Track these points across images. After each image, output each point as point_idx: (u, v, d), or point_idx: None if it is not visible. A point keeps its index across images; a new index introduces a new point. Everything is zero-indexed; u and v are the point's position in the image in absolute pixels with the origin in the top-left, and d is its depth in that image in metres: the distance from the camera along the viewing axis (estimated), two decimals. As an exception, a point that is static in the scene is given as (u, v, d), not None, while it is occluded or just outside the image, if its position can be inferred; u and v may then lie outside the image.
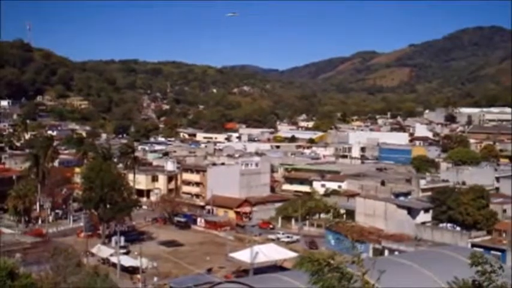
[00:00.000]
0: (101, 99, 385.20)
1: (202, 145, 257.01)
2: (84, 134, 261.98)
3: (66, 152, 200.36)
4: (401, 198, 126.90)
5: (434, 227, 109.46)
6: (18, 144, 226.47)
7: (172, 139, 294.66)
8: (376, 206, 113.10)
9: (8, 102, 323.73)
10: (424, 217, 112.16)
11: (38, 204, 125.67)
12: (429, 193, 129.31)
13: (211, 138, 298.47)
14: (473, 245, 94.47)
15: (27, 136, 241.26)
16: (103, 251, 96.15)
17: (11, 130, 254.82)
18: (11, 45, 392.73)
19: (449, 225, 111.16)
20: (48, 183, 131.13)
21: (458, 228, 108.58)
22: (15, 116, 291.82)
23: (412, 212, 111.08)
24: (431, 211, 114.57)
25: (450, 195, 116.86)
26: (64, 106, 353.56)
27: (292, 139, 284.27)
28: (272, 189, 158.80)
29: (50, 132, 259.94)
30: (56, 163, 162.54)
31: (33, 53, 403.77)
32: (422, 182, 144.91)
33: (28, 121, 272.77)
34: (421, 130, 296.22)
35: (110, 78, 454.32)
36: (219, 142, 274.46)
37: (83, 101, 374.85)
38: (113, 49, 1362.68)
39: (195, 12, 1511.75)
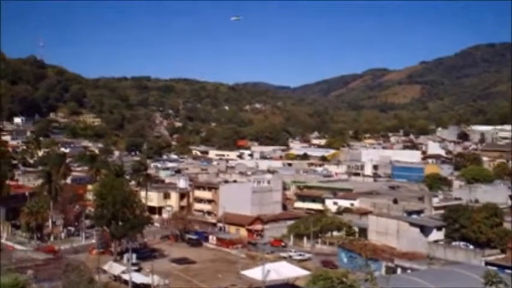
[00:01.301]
0: (113, 116, 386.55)
1: (215, 162, 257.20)
2: (96, 151, 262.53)
3: (78, 169, 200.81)
4: (414, 216, 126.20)
5: (447, 245, 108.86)
6: (31, 161, 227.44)
7: (185, 156, 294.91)
8: (388, 224, 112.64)
9: (22, 119, 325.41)
10: (436, 235, 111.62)
11: (50, 221, 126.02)
12: (442, 211, 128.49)
13: (223, 155, 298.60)
14: (486, 264, 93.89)
15: (40, 153, 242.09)
16: (115, 268, 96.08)
17: (24, 147, 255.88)
18: (24, 62, 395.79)
19: (462, 243, 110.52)
20: (61, 200, 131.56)
21: (471, 247, 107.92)
22: (28, 133, 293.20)
23: (425, 230, 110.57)
24: (444, 229, 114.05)
25: (463, 214, 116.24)
26: (77, 123, 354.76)
27: (304, 156, 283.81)
28: (284, 207, 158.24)
29: (62, 149, 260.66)
30: (68, 180, 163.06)
31: (46, 69, 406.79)
32: (435, 200, 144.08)
33: (41, 138, 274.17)
34: (434, 148, 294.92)
35: (123, 95, 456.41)
36: (231, 159, 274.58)
37: (96, 118, 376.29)
38: (126, 66, 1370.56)
39: (206, 30, 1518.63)
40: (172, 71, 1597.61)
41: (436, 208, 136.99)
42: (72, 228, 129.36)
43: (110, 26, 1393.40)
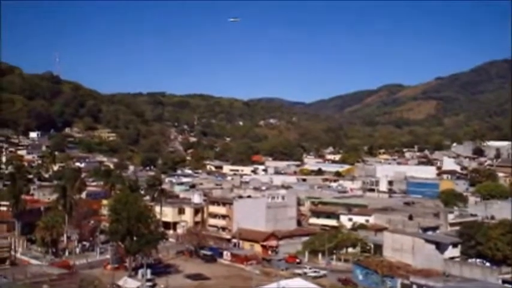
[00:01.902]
0: (128, 131, 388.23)
1: (229, 177, 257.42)
2: (111, 166, 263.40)
3: (93, 183, 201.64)
4: (429, 232, 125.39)
5: (463, 262, 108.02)
6: (46, 175, 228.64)
7: (199, 171, 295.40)
8: (403, 240, 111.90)
9: (37, 134, 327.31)
10: (452, 252, 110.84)
11: (65, 235, 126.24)
12: (457, 227, 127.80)
13: (237, 170, 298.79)
14: (503, 282, 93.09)
15: (55, 168, 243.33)
16: (129, 283, 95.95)
17: (40, 161, 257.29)
18: (41, 77, 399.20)
19: (478, 260, 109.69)
20: (76, 215, 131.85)
21: (487, 264, 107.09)
22: (43, 148, 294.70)
23: (440, 246, 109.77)
24: (459, 246, 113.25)
25: (479, 230, 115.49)
26: (92, 138, 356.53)
27: (319, 172, 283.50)
28: (299, 223, 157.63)
29: (77, 164, 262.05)
30: (83, 195, 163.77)
31: (62, 85, 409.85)
32: (451, 216, 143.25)
33: (56, 153, 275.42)
34: (449, 164, 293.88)
35: (138, 111, 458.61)
36: (246, 174, 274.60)
37: (111, 133, 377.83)
38: (141, 82, 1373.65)
39: (221, 46, 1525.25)
40: (188, 86, 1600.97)
41: (452, 224, 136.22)
42: (86, 243, 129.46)
43: (126, 43, 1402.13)
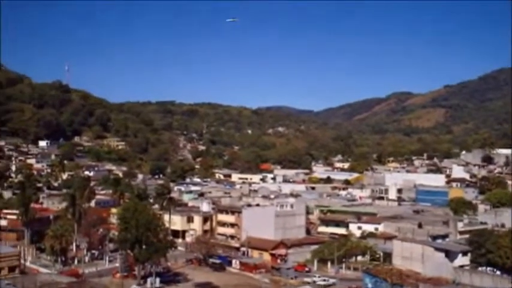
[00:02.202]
0: (137, 140, 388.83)
1: (238, 186, 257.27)
2: (120, 175, 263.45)
3: (102, 192, 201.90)
4: (439, 240, 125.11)
5: (473, 270, 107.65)
6: (55, 184, 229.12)
7: (208, 180, 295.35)
8: (413, 248, 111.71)
9: (47, 143, 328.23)
10: (462, 260, 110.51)
11: (74, 244, 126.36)
12: (467, 236, 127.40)
13: (246, 179, 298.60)
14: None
15: (64, 176, 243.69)
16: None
17: (49, 170, 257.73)
18: (50, 86, 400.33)
19: (488, 268, 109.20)
20: (85, 224, 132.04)
21: (498, 272, 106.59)
22: (53, 156, 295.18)
23: (450, 255, 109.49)
24: (469, 254, 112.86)
25: (489, 238, 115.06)
26: (101, 147, 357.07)
27: (328, 180, 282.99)
28: (308, 231, 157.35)
29: (86, 172, 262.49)
30: (92, 203, 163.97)
31: (71, 94, 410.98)
32: (460, 224, 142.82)
33: (65, 161, 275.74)
34: (458, 171, 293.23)
35: (147, 119, 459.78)
36: (254, 183, 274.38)
37: (120, 141, 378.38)
38: (150, 91, 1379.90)
39: (230, 55, 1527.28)
40: (197, 95, 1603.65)
41: (461, 233, 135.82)
42: (95, 252, 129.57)
43: (135, 52, 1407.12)
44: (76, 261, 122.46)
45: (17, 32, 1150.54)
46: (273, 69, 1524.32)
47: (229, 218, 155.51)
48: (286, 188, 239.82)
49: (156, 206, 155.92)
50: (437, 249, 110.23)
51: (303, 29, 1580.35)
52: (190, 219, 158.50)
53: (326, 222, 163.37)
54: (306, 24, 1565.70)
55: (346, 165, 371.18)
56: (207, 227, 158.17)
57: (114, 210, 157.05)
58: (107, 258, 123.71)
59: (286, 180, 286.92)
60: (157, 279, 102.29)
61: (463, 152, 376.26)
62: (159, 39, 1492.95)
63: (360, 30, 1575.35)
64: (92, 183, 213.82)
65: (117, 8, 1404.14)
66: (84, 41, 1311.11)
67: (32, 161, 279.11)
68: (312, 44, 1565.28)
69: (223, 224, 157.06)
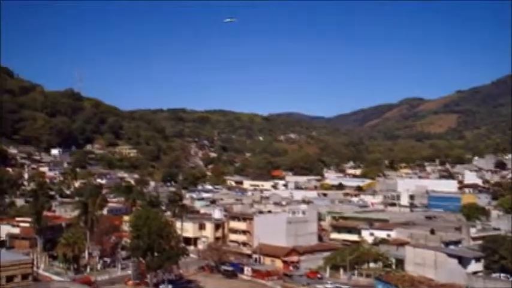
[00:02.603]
0: (149, 147, 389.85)
1: (249, 193, 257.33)
2: (132, 182, 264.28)
3: (114, 200, 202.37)
4: (452, 247, 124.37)
5: (487, 276, 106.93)
6: (68, 192, 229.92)
7: (220, 187, 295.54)
8: (425, 255, 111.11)
9: (59, 151, 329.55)
10: (475, 266, 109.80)
11: (86, 251, 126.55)
12: (480, 242, 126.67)
13: (257, 185, 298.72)
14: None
15: (76, 184, 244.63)
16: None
17: (61, 178, 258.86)
18: (62, 94, 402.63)
19: (502, 275, 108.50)
20: (97, 231, 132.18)
21: (511, 279, 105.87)
22: (65, 164, 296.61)
23: (463, 261, 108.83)
24: (482, 260, 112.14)
25: (502, 244, 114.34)
26: (113, 154, 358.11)
27: (340, 187, 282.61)
28: (320, 238, 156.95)
29: (99, 180, 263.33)
30: (104, 211, 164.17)
31: (83, 102, 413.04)
32: (473, 230, 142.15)
33: (78, 169, 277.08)
34: (471, 177, 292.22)
35: (159, 127, 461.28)
36: (266, 190, 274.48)
37: (132, 149, 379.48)
38: (162, 98, 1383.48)
39: (241, 62, 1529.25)
40: (208, 102, 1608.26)
41: (474, 239, 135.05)
42: (108, 259, 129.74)
43: (146, 60, 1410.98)
44: (88, 269, 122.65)
45: (29, 41, 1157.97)
46: (284, 75, 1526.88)
47: (241, 225, 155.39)
48: (298, 195, 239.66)
49: (168, 213, 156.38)
50: (450, 255, 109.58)
51: (315, 35, 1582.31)
52: (202, 227, 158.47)
53: (338, 229, 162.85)
54: (317, 30, 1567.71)
55: (358, 172, 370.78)
56: (219, 234, 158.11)
57: (126, 217, 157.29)
58: (119, 265, 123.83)
59: (298, 187, 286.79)
60: (170, 287, 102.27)
61: (476, 158, 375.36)
62: (171, 46, 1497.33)
63: (371, 36, 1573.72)
64: (104, 191, 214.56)
65: (129, 17, 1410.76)
66: (96, 49, 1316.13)
67: (44, 169, 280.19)
68: (323, 50, 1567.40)
69: (235, 231, 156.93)
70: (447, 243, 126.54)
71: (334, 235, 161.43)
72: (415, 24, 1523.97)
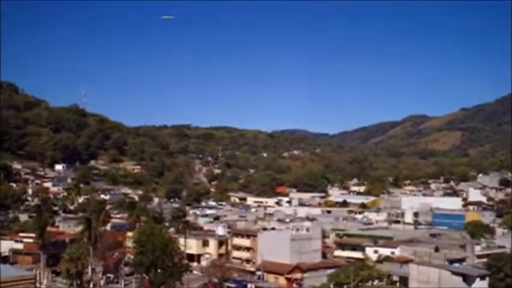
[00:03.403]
0: (153, 163, 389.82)
1: (253, 209, 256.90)
2: (136, 198, 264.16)
3: (118, 215, 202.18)
4: (456, 264, 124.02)
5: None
6: (71, 207, 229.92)
7: (223, 203, 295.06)
8: (430, 272, 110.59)
9: (63, 166, 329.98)
10: (480, 284, 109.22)
11: (90, 267, 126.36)
12: (485, 259, 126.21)
13: (261, 202, 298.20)
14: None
15: (80, 200, 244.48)
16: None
17: (65, 194, 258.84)
18: (67, 110, 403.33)
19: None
20: (100, 247, 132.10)
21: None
22: (69, 180, 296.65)
23: (468, 279, 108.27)
24: (487, 278, 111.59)
25: (507, 262, 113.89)
26: (117, 170, 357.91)
27: (344, 204, 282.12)
28: (323, 255, 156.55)
29: (102, 196, 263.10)
30: (108, 227, 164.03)
31: (87, 118, 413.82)
32: (477, 248, 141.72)
33: (81, 185, 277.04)
34: (475, 195, 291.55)
35: (163, 143, 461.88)
36: (270, 206, 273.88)
37: (136, 165, 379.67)
38: (166, 115, 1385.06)
39: (245, 78, 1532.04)
40: (212, 119, 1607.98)
41: (479, 256, 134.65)
42: (111, 275, 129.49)
43: (151, 76, 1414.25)
44: (91, 285, 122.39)
45: (35, 56, 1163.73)
46: (288, 92, 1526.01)
47: (245, 242, 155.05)
48: (302, 212, 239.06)
49: (172, 229, 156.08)
50: (454, 273, 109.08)
51: (319, 52, 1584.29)
52: (205, 243, 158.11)
53: (342, 246, 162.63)
54: (321, 47, 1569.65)
55: (362, 189, 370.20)
56: (223, 250, 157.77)
57: (129, 233, 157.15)
58: (123, 282, 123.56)
59: (301, 204, 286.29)
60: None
61: (480, 175, 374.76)
62: (175, 62, 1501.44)
63: (374, 52, 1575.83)
64: (108, 207, 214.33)
65: (134, 34, 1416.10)
66: (102, 65, 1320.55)
67: (48, 184, 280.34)
68: (327, 66, 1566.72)
69: (238, 248, 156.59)
70: (451, 261, 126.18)
71: (338, 252, 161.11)
72: (419, 41, 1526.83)
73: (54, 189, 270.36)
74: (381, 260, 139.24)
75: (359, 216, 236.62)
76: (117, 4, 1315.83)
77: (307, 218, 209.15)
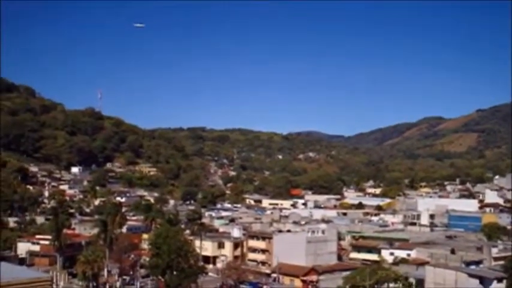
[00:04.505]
0: (169, 166, 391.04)
1: (268, 211, 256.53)
2: (152, 201, 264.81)
3: (134, 218, 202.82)
4: (473, 267, 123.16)
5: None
6: (87, 210, 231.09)
7: (239, 205, 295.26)
8: (446, 275, 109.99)
9: (79, 169, 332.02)
10: (497, 287, 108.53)
11: (106, 270, 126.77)
12: (502, 262, 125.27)
13: (276, 204, 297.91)
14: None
15: (96, 202, 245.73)
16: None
17: (81, 196, 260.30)
18: (83, 113, 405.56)
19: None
20: (116, 249, 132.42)
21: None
22: (85, 183, 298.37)
23: (485, 281, 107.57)
24: (504, 281, 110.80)
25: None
26: (133, 173, 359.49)
27: (359, 206, 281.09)
28: (339, 258, 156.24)
29: (118, 198, 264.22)
30: (124, 229, 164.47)
31: (103, 120, 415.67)
32: (494, 250, 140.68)
33: (97, 187, 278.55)
34: (491, 196, 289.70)
35: (179, 146, 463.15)
36: (285, 208, 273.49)
37: (152, 167, 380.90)
38: (182, 117, 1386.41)
39: (261, 81, 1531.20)
40: (227, 121, 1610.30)
41: (496, 259, 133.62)
42: (127, 278, 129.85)
43: (166, 78, 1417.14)
44: (107, 287, 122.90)
45: (51, 60, 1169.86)
46: (303, 94, 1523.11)
47: (260, 244, 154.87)
48: (318, 214, 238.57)
49: (187, 231, 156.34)
50: (471, 275, 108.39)
51: (333, 54, 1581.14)
52: (221, 245, 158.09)
53: (358, 248, 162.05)
54: (336, 49, 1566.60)
55: (377, 191, 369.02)
56: (238, 252, 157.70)
57: (145, 236, 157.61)
58: (138, 284, 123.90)
59: (317, 206, 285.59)
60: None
61: (496, 177, 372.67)
62: (190, 65, 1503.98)
63: (390, 55, 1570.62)
64: (124, 209, 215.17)
65: (150, 36, 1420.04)
66: (117, 68, 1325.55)
67: (64, 187, 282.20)
68: (343, 68, 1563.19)
69: (254, 250, 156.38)
70: (468, 263, 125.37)
71: (354, 254, 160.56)
72: (434, 43, 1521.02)
73: (71, 191, 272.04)
74: (397, 262, 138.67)
75: (375, 218, 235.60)
76: (132, 6, 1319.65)
77: (323, 220, 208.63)
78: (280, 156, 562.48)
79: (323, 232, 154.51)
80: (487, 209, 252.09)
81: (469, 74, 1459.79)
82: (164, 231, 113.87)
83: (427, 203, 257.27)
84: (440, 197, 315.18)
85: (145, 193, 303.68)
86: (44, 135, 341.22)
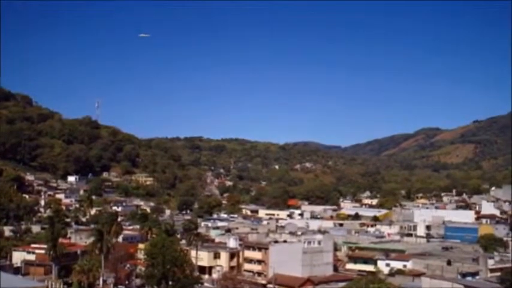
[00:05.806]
0: (165, 175, 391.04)
1: (265, 222, 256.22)
2: (148, 210, 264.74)
3: (130, 227, 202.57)
4: (469, 278, 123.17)
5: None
6: (83, 219, 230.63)
7: (235, 215, 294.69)
8: (442, 286, 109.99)
9: (75, 178, 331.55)
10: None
11: (101, 279, 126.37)
12: (498, 273, 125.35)
13: (273, 214, 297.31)
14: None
15: (92, 211, 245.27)
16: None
17: (77, 205, 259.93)
18: (80, 122, 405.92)
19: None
20: (112, 259, 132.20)
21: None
22: (81, 192, 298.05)
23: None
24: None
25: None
26: (129, 182, 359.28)
27: (356, 216, 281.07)
28: (335, 268, 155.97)
29: (114, 208, 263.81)
30: (120, 239, 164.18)
31: (100, 130, 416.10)
32: (491, 261, 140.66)
33: (94, 197, 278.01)
34: (488, 208, 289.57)
35: (175, 155, 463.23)
36: (281, 219, 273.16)
37: (148, 177, 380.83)
38: (178, 127, 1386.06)
39: (257, 91, 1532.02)
40: (224, 131, 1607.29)
41: (492, 270, 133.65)
42: (122, 287, 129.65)
43: (164, 88, 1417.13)
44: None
45: (49, 69, 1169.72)
46: (300, 104, 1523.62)
47: (256, 255, 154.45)
48: (314, 225, 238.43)
49: (183, 241, 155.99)
50: (467, 287, 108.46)
51: (331, 64, 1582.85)
52: (217, 255, 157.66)
53: (354, 259, 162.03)
54: (333, 59, 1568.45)
55: (374, 202, 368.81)
56: (234, 263, 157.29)
57: (141, 245, 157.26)
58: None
59: (313, 217, 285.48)
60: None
61: (493, 188, 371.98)
62: (187, 75, 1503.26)
63: (387, 66, 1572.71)
64: (120, 219, 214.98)
65: (147, 45, 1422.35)
66: (114, 77, 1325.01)
67: (60, 196, 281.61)
68: (339, 79, 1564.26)
69: (250, 261, 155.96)
70: (464, 275, 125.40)
71: (350, 265, 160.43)
72: (432, 54, 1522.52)
73: (67, 200, 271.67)
74: (393, 273, 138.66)
75: (371, 229, 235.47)
76: (130, 16, 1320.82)
77: (319, 231, 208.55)
78: (276, 167, 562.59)
79: (319, 243, 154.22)
80: (484, 221, 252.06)
81: (466, 85, 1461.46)
82: (160, 241, 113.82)
83: (423, 214, 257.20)
84: (436, 208, 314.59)
85: (142, 203, 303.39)
86: (40, 144, 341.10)
